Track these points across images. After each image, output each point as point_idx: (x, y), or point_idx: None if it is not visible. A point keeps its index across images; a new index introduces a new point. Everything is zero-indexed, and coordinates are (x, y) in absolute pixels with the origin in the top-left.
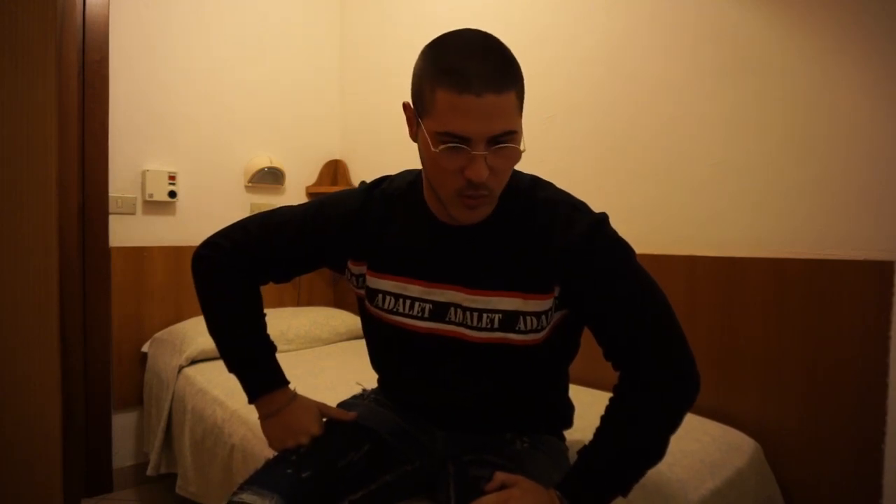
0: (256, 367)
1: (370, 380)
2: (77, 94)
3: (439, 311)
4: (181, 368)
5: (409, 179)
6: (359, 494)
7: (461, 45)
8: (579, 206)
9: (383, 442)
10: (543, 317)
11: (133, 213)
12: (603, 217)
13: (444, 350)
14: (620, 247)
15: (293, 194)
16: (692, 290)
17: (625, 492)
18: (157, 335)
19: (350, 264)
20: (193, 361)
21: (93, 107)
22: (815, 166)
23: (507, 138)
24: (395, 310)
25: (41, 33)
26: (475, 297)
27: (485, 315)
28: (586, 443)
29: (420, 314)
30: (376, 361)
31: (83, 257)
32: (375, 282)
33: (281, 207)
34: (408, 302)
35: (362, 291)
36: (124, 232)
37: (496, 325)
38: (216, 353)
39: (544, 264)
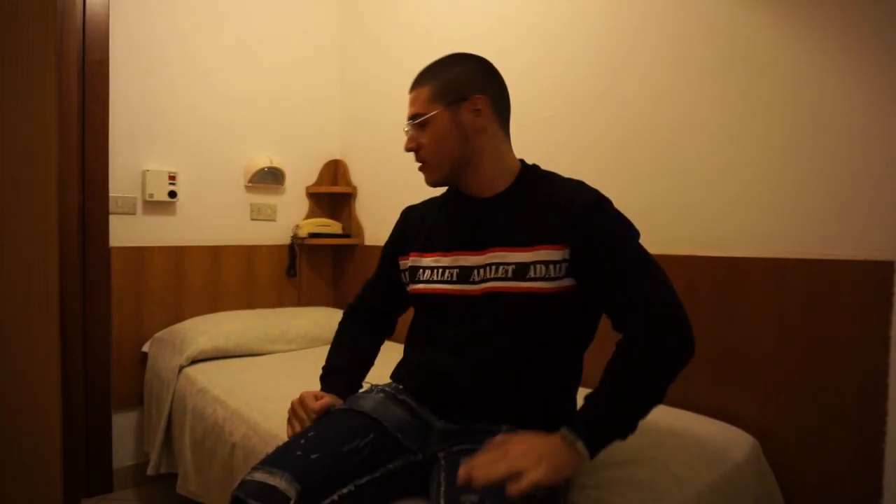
0: (329, 367)
1: (379, 378)
2: (77, 94)
3: (464, 274)
4: (181, 368)
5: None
6: (364, 480)
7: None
8: (586, 184)
9: (387, 433)
10: (552, 266)
11: (133, 213)
12: (608, 200)
13: (466, 305)
14: (624, 217)
15: (293, 194)
16: (692, 290)
17: (625, 434)
18: (158, 335)
19: (400, 261)
20: (194, 361)
21: (93, 107)
22: (817, 166)
23: (420, 119)
24: (431, 279)
25: (41, 33)
26: (493, 254)
27: (500, 267)
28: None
29: (450, 278)
30: (411, 337)
31: (83, 257)
32: (417, 260)
33: None
34: (438, 271)
35: (409, 280)
36: (124, 232)
37: (510, 274)
38: (217, 352)
39: (555, 221)
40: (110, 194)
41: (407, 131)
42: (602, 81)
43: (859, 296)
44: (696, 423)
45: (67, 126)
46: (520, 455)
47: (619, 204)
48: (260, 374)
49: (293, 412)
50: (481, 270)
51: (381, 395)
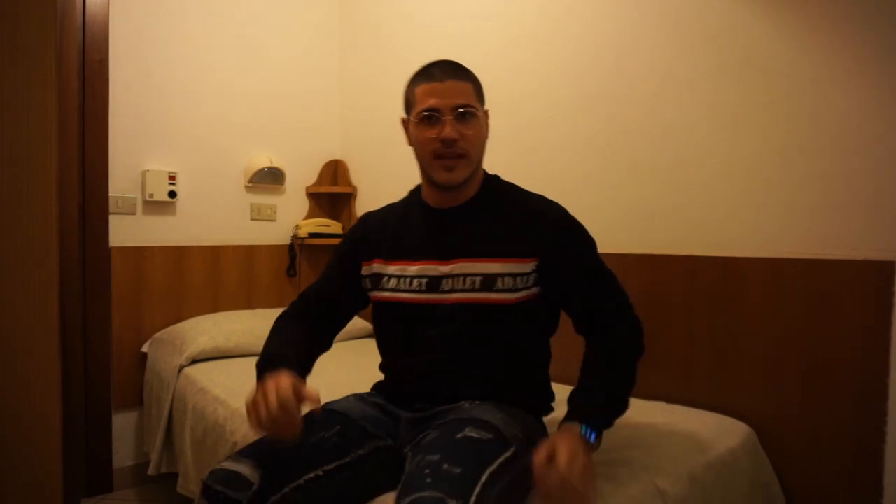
0: (267, 355)
1: (368, 380)
2: (77, 94)
3: (433, 284)
4: (181, 368)
5: (411, 192)
6: (332, 465)
7: (430, 62)
8: (549, 199)
9: (354, 423)
10: (520, 278)
11: (133, 213)
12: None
13: (436, 314)
14: (586, 231)
15: (293, 194)
16: (692, 291)
17: (620, 414)
18: (157, 335)
19: (363, 266)
20: (194, 361)
21: (93, 107)
22: (816, 166)
23: (468, 110)
24: (398, 288)
25: (41, 33)
26: (462, 265)
27: (468, 278)
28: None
29: (419, 288)
30: (382, 345)
31: (83, 257)
32: (382, 268)
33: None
34: (405, 280)
35: (371, 287)
36: (124, 232)
37: (477, 286)
38: (217, 352)
39: (524, 234)
40: (110, 194)
41: (446, 119)
42: (601, 81)
43: (860, 296)
44: (694, 414)
45: (67, 126)
46: (579, 481)
47: (620, 204)
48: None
49: (253, 405)
50: (449, 280)
51: (352, 397)
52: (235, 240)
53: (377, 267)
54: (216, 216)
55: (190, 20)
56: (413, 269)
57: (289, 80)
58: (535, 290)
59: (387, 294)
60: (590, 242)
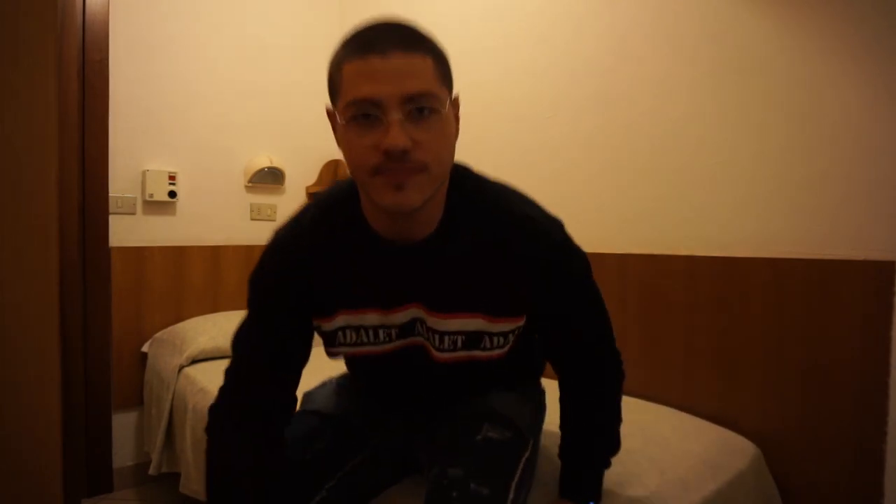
0: None
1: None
2: (77, 94)
3: (406, 330)
4: (182, 368)
5: (339, 198)
6: (333, 482)
7: (366, 24)
8: (534, 216)
9: (344, 425)
10: (511, 335)
11: (133, 213)
12: (562, 226)
13: (413, 361)
14: (582, 261)
15: (293, 194)
16: (692, 291)
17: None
18: (158, 335)
19: (322, 323)
20: (194, 361)
21: (93, 107)
22: (816, 166)
23: (426, 102)
24: (358, 342)
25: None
26: (436, 320)
27: (447, 337)
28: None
29: (387, 339)
30: (349, 369)
31: (83, 257)
32: (329, 324)
33: (237, 332)
34: (370, 332)
35: (326, 342)
36: (124, 232)
37: (459, 345)
38: (217, 352)
39: (513, 286)
40: (110, 194)
41: (392, 119)
42: (601, 82)
43: (860, 296)
44: (700, 428)
45: (67, 126)
46: None
47: (620, 204)
48: None
49: None
50: (424, 327)
51: (334, 383)
52: (235, 240)
53: (324, 324)
54: (216, 216)
55: (190, 20)
56: (372, 317)
57: (289, 79)
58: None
59: (349, 349)
60: (585, 280)
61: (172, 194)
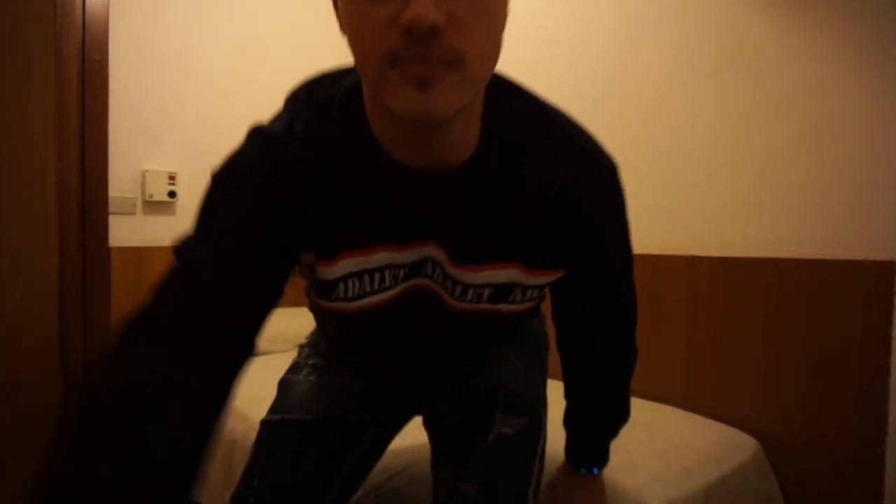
0: None
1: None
2: (77, 94)
3: (415, 269)
4: None
5: (337, 103)
6: (337, 483)
7: None
8: (595, 147)
9: (334, 429)
10: (545, 288)
11: (133, 214)
12: (617, 170)
13: (417, 314)
14: (626, 217)
15: None
16: (693, 291)
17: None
18: None
19: (318, 264)
20: None
21: (92, 107)
22: (815, 166)
23: None
24: (360, 293)
25: (41, 33)
26: (461, 272)
27: (470, 290)
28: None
29: (392, 282)
30: (327, 335)
31: (83, 257)
32: (329, 270)
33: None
34: (375, 276)
35: (319, 293)
36: (124, 232)
37: (484, 298)
38: None
39: (563, 231)
40: (110, 194)
41: None
42: (605, 82)
43: (860, 296)
44: (703, 425)
45: (67, 126)
46: None
47: None
48: (259, 373)
49: None
50: (439, 271)
51: (314, 374)
52: None
53: (322, 270)
54: None
55: (190, 20)
56: (380, 257)
57: (288, 79)
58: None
59: (349, 304)
60: (625, 242)
61: (172, 194)
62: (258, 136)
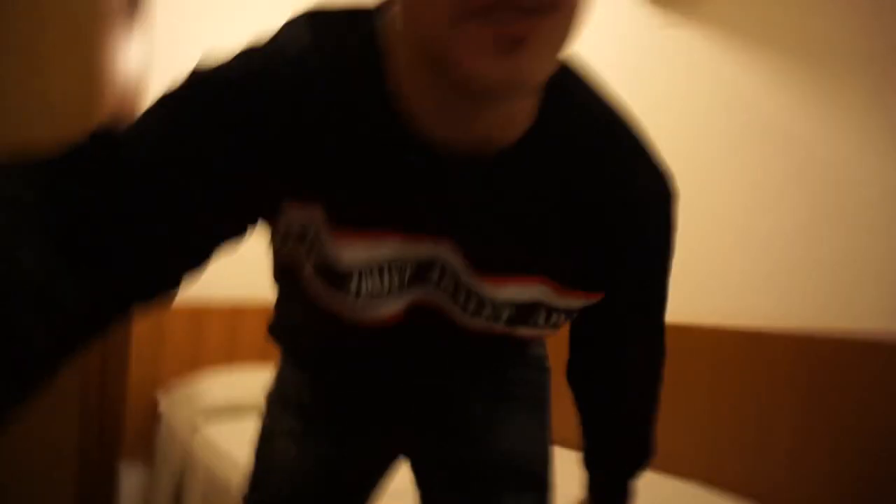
0: None
1: None
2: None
3: (422, 270)
4: (195, 425)
5: (355, 57)
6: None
7: None
8: (651, 149)
9: (323, 475)
10: (574, 314)
11: None
12: (678, 197)
13: (418, 333)
14: (673, 250)
15: None
16: (716, 366)
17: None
18: (171, 388)
19: (291, 207)
20: (209, 417)
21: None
22: (841, 237)
23: None
24: (372, 292)
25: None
26: (481, 282)
27: (488, 306)
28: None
29: (399, 285)
30: (287, 316)
31: None
32: (342, 251)
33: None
34: (384, 273)
35: (316, 268)
36: None
37: (503, 318)
38: (233, 409)
39: (611, 242)
40: None
41: None
42: None
43: (890, 377)
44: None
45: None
46: None
47: None
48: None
49: None
50: (448, 279)
51: (289, 439)
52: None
53: (334, 244)
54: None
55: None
56: (389, 246)
57: None
58: None
59: (357, 315)
60: (666, 260)
61: None
62: (252, 58)
